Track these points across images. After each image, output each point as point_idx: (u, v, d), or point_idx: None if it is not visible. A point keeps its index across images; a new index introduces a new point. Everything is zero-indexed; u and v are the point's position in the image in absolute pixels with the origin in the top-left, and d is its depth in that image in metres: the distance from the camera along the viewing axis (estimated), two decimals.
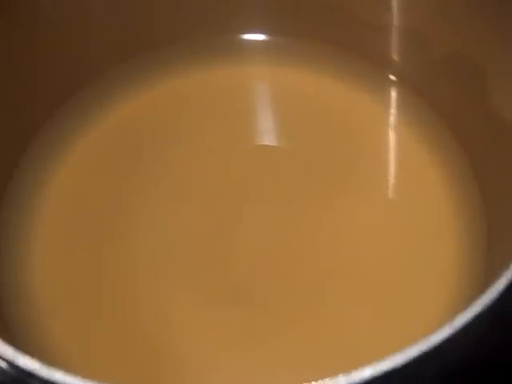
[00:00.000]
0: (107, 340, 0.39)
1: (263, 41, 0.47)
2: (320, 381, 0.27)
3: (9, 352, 0.27)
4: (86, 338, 0.39)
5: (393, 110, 0.45)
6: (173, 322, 0.39)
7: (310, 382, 0.27)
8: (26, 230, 0.42)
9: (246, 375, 0.38)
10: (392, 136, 0.45)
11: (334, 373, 0.27)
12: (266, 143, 0.45)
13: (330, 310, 0.39)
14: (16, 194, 0.43)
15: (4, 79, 0.42)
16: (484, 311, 0.28)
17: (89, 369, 0.37)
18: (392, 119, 0.45)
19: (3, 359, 0.27)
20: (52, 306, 0.40)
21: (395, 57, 0.45)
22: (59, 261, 0.41)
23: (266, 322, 0.39)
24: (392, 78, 0.45)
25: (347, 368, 0.27)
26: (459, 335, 0.28)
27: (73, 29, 0.44)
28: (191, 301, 0.39)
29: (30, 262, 0.41)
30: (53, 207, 0.43)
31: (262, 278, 0.40)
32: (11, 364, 0.27)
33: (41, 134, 0.44)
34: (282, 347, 0.38)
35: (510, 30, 0.37)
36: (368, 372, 0.27)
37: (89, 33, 0.45)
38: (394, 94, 0.45)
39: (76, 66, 0.45)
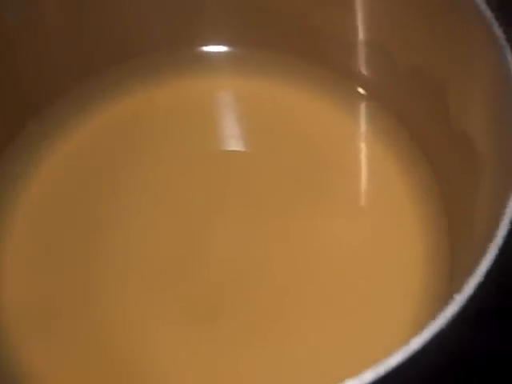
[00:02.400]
0: (72, 352, 0.39)
1: (226, 52, 0.47)
2: None
3: None
4: (53, 353, 0.39)
5: (362, 122, 0.46)
6: (140, 341, 0.39)
7: None
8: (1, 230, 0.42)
9: None
10: (360, 147, 0.45)
11: None
12: (233, 152, 0.45)
13: (300, 324, 0.40)
14: None
15: None
16: (454, 316, 0.29)
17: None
18: (360, 130, 0.46)
19: None
20: (20, 318, 0.40)
21: (363, 70, 0.46)
22: (30, 270, 0.41)
23: (232, 337, 0.39)
24: (360, 90, 0.46)
25: (322, 381, 0.28)
26: (432, 341, 0.28)
27: (33, 43, 0.44)
28: (158, 320, 0.40)
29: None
30: (26, 214, 0.43)
31: (230, 290, 0.40)
32: None
33: (14, 144, 0.44)
34: (249, 362, 0.39)
35: (468, 49, 0.38)
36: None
37: (47, 51, 0.45)
38: (362, 106, 0.46)
39: (38, 83, 0.45)
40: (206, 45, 0.47)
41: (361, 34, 0.44)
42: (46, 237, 0.42)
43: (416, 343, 0.28)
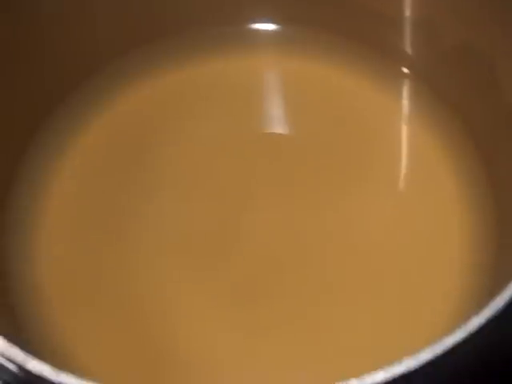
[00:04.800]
0: (110, 338, 0.39)
1: (273, 30, 0.47)
2: None
3: (19, 356, 0.27)
4: (91, 337, 0.39)
5: (404, 102, 0.45)
6: (177, 321, 0.39)
7: None
8: (31, 227, 0.42)
9: (250, 375, 0.38)
10: (404, 128, 0.45)
11: (341, 374, 0.27)
12: (276, 133, 0.45)
13: (338, 308, 0.39)
14: (19, 193, 0.43)
15: (2, 77, 0.41)
16: (497, 314, 0.28)
17: (91, 368, 0.38)
18: (404, 111, 0.45)
19: (13, 362, 0.28)
20: (57, 299, 0.40)
21: (407, 49, 0.45)
22: (64, 257, 0.41)
23: (271, 320, 0.39)
24: (404, 70, 0.45)
25: (355, 370, 0.27)
26: (472, 338, 0.27)
27: (73, 23, 0.44)
28: (196, 299, 0.39)
29: (36, 256, 0.41)
30: (57, 204, 0.42)
31: (268, 274, 0.40)
32: (21, 367, 0.28)
33: (42, 129, 0.44)
34: (287, 347, 0.38)
35: None
36: (381, 376, 0.27)
37: (90, 25, 0.44)
38: (405, 86, 0.45)
39: (78, 59, 0.45)
40: (251, 23, 0.47)
41: (407, 11, 0.43)
42: (81, 215, 0.42)
43: (456, 337, 0.27)
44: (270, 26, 0.47)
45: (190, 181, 0.43)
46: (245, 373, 0.38)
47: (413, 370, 0.27)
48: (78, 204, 0.42)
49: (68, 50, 0.44)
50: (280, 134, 0.45)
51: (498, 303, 0.28)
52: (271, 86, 0.47)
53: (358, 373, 0.27)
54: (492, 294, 0.29)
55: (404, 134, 0.45)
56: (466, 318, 0.28)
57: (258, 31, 0.47)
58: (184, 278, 0.40)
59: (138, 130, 0.44)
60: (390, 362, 0.27)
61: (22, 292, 0.40)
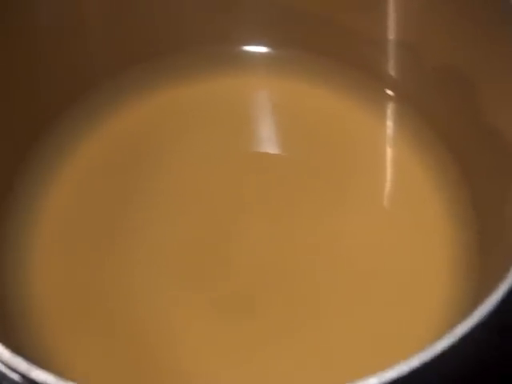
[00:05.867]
0: (106, 350, 0.39)
1: (263, 53, 0.48)
2: None
3: (23, 365, 0.28)
4: (85, 349, 0.39)
5: (389, 123, 0.46)
6: (174, 331, 0.40)
7: None
8: (27, 240, 0.42)
9: None
10: (388, 149, 0.46)
11: (336, 382, 0.28)
12: (264, 153, 0.46)
13: (329, 319, 0.40)
14: (15, 206, 0.43)
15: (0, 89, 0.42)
16: (484, 319, 0.29)
17: (88, 377, 0.38)
18: (388, 132, 0.46)
19: (17, 372, 0.28)
20: (53, 310, 0.40)
21: (391, 71, 0.46)
22: (60, 270, 0.42)
23: (265, 331, 0.39)
24: (388, 92, 0.46)
25: (348, 377, 0.28)
26: (460, 343, 0.28)
27: (71, 39, 0.44)
28: (191, 312, 0.40)
29: (32, 265, 0.41)
30: (54, 214, 0.43)
31: (260, 287, 0.41)
32: (24, 376, 0.28)
33: (39, 143, 0.45)
34: (282, 357, 0.39)
35: (499, 47, 0.38)
36: (373, 381, 0.28)
37: (86, 43, 0.45)
38: (390, 107, 0.46)
39: (74, 75, 0.45)
40: (242, 44, 0.48)
41: (392, 34, 0.44)
42: (77, 229, 0.43)
43: (441, 345, 0.28)
44: (261, 49, 0.48)
45: (183, 197, 0.43)
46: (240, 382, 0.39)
47: (404, 375, 0.28)
48: (74, 217, 0.43)
49: (65, 66, 0.45)
50: (268, 154, 0.46)
51: (481, 312, 0.29)
52: (261, 106, 0.47)
53: (351, 380, 0.28)
54: (475, 303, 0.30)
55: (389, 154, 0.45)
56: (452, 326, 0.29)
57: (249, 53, 0.48)
58: (179, 290, 0.41)
59: (133, 146, 0.45)
60: (382, 368, 0.28)
61: (16, 303, 0.40)
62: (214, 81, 0.47)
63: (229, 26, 0.47)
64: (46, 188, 0.44)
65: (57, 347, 0.39)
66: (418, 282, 0.41)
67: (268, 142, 0.46)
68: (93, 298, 0.41)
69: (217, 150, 0.45)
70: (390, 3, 0.43)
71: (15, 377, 0.29)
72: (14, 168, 0.44)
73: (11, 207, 0.43)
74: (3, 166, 0.43)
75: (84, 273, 0.41)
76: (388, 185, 0.45)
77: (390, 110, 0.46)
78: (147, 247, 0.42)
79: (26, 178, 0.44)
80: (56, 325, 0.40)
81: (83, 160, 0.45)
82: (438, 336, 0.29)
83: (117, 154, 0.45)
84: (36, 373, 0.28)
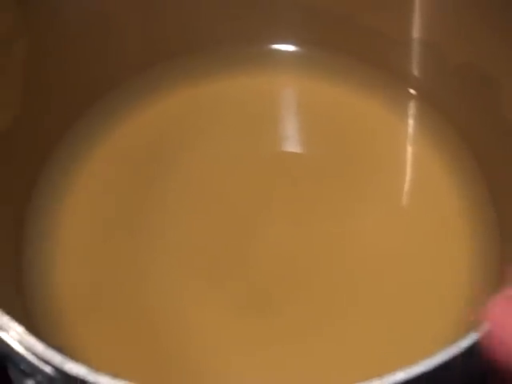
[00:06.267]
0: (128, 343, 0.40)
1: (290, 52, 0.48)
2: None
3: (56, 358, 0.28)
4: (108, 340, 0.40)
5: (410, 122, 0.46)
6: (193, 328, 0.40)
7: None
8: (47, 241, 0.43)
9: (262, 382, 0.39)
10: (409, 147, 0.46)
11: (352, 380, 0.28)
12: (285, 151, 0.46)
13: (347, 318, 0.40)
14: (35, 209, 0.43)
15: (22, 92, 0.43)
16: None
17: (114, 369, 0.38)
18: (409, 131, 0.46)
19: (50, 364, 0.29)
20: (76, 308, 0.41)
21: (414, 70, 0.46)
22: (80, 258, 0.42)
23: (282, 329, 0.40)
24: (410, 90, 0.47)
25: (363, 375, 0.28)
26: (463, 354, 0.28)
27: (93, 41, 0.45)
28: (209, 309, 0.40)
29: (52, 267, 0.42)
30: (72, 218, 0.43)
31: (278, 285, 0.41)
32: (57, 369, 0.29)
33: (61, 142, 0.45)
34: (298, 354, 0.39)
35: None
36: (400, 376, 0.28)
37: (108, 43, 0.46)
38: (411, 106, 0.47)
39: (95, 76, 0.46)
40: (271, 43, 0.48)
41: (415, 33, 0.45)
42: (95, 230, 0.43)
43: (458, 347, 0.28)
44: (288, 47, 0.48)
45: (202, 196, 0.44)
46: (256, 379, 0.39)
47: (430, 370, 0.28)
48: (92, 218, 0.43)
49: (80, 70, 0.45)
50: (290, 152, 0.46)
51: None
52: (284, 105, 0.48)
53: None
54: None
55: (409, 153, 0.46)
56: (468, 330, 0.29)
57: (274, 51, 0.48)
58: (197, 289, 0.41)
59: (154, 145, 0.45)
60: (400, 366, 0.28)
61: (38, 302, 0.41)
62: (239, 80, 0.47)
63: (257, 24, 0.47)
64: (65, 189, 0.44)
65: (74, 343, 0.40)
66: (438, 282, 0.41)
67: (290, 141, 0.46)
68: (111, 297, 0.41)
69: (239, 149, 0.45)
70: (415, 2, 0.44)
71: (48, 369, 0.29)
72: (36, 170, 0.44)
73: (32, 211, 0.43)
74: (26, 167, 0.43)
75: (102, 272, 0.42)
76: (408, 183, 0.45)
77: (412, 108, 0.47)
78: (166, 244, 0.42)
79: (46, 181, 0.44)
80: (74, 322, 0.40)
81: (102, 159, 0.45)
82: (458, 336, 0.28)
83: (137, 153, 0.45)
84: (69, 365, 0.28)
